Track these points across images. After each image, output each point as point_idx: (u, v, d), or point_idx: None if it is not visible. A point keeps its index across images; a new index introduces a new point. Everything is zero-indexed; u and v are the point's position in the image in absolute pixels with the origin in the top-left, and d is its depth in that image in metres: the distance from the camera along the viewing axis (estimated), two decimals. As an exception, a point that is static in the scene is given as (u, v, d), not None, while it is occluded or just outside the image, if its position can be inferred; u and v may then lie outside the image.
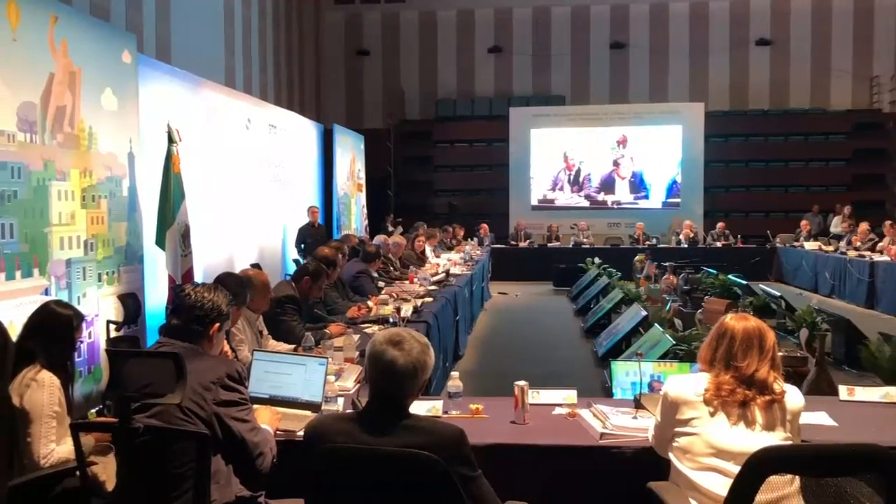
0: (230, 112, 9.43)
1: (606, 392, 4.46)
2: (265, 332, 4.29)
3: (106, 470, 2.84)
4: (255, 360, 3.29)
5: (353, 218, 14.59)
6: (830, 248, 12.88)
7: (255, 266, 7.00)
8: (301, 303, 4.88)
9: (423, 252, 9.97)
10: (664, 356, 5.63)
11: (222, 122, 9.04)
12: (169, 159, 5.96)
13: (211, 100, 8.78)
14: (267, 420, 2.84)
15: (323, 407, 3.12)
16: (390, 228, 13.90)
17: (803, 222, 14.68)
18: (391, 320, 5.06)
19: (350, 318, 5.30)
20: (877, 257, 11.08)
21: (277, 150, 11.22)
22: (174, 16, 10.22)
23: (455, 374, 3.29)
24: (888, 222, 12.29)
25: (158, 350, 2.61)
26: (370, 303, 5.81)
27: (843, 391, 3.43)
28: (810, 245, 13.44)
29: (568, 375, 6.82)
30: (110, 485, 2.76)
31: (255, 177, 10.11)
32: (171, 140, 5.96)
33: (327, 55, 18.26)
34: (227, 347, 3.46)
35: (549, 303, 12.11)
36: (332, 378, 3.31)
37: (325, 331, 4.75)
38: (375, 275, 7.40)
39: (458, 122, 18.01)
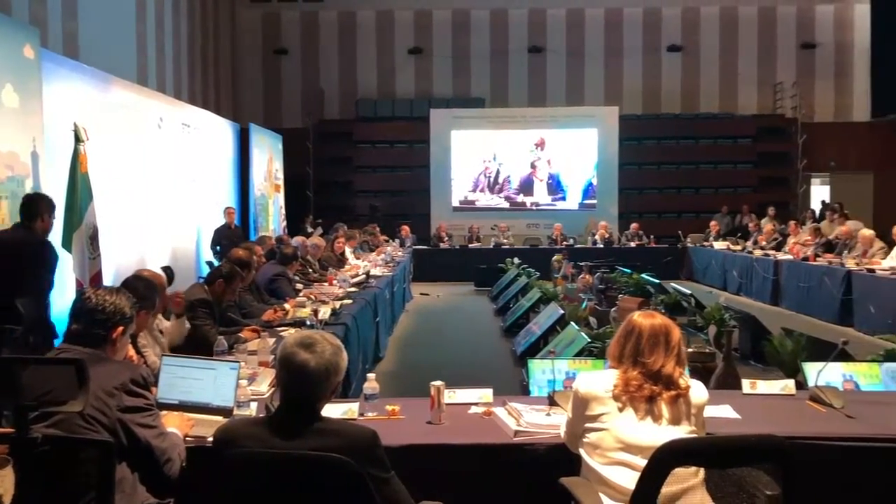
0: (142, 110, 9.16)
1: (524, 390, 4.51)
2: (164, 325, 4.20)
3: (3, 483, 2.71)
4: (164, 365, 3.19)
5: (271, 219, 14.38)
6: (738, 247, 13.39)
7: (166, 269, 6.83)
8: (214, 306, 4.77)
9: (342, 254, 9.89)
10: (580, 354, 5.74)
11: (133, 120, 8.78)
12: (76, 159, 5.75)
13: (121, 98, 8.51)
14: (176, 425, 2.77)
15: (235, 412, 3.06)
16: (310, 230, 13.74)
17: (713, 223, 15.23)
18: (308, 323, 4.99)
19: (266, 322, 5.21)
20: (781, 256, 11.57)
21: (191, 149, 10.97)
22: (81, 10, 9.83)
23: (371, 375, 3.27)
24: (792, 222, 12.89)
25: (59, 356, 2.51)
26: (287, 305, 5.73)
27: (746, 385, 3.56)
28: (719, 245, 13.94)
29: (487, 374, 6.85)
30: (8, 498, 2.63)
31: (167, 177, 9.85)
32: (77, 139, 5.75)
33: (244, 53, 17.93)
34: (132, 352, 3.35)
35: (470, 303, 12.20)
36: (244, 382, 3.25)
37: (240, 335, 4.65)
38: (293, 277, 7.30)
39: (379, 122, 17.94)
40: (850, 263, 9.72)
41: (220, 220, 11.18)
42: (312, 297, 6.45)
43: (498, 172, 17.68)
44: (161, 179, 9.58)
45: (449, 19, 18.18)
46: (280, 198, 15.45)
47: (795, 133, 17.64)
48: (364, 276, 8.16)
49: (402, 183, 17.94)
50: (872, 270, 9.13)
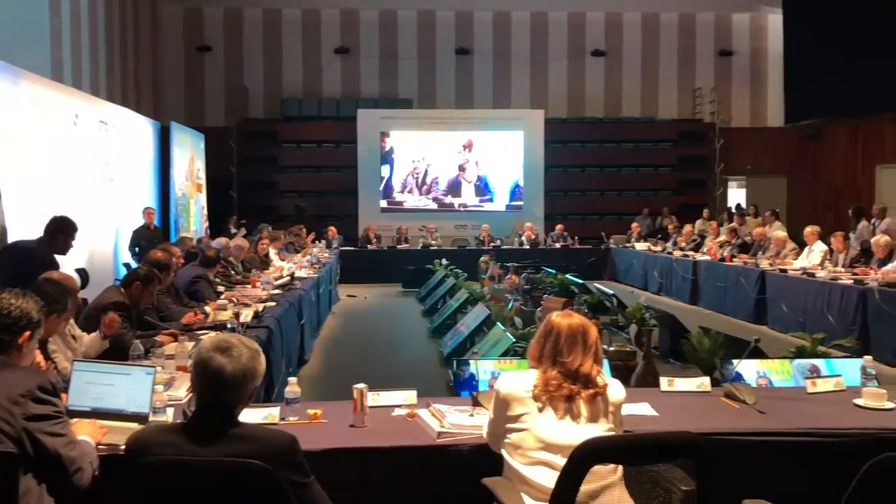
0: (56, 107, 8.81)
1: (451, 391, 4.52)
2: (78, 334, 4.04)
3: None
4: (74, 370, 3.07)
5: (193, 220, 14.04)
6: (658, 248, 13.74)
7: (80, 271, 6.59)
8: (131, 309, 4.62)
9: (266, 255, 9.73)
10: (505, 354, 5.79)
11: (47, 117, 8.44)
12: (-19, 156, 5.47)
13: (33, 93, 8.17)
14: (88, 433, 2.66)
15: (150, 418, 2.96)
16: (233, 230, 13.47)
17: (634, 224, 15.61)
18: (229, 326, 4.88)
19: (185, 325, 5.07)
20: (699, 257, 11.92)
21: (109, 147, 10.61)
22: (-10, 2, 9.41)
23: (293, 379, 3.21)
24: (713, 223, 13.30)
25: (-41, 364, 2.38)
26: (207, 308, 5.59)
27: (664, 382, 3.65)
28: (640, 246, 14.29)
29: (415, 376, 6.85)
30: None
31: (83, 175, 9.51)
32: (-17, 135, 5.47)
33: (165, 50, 17.41)
34: (40, 358, 3.21)
35: (398, 304, 12.16)
36: (160, 388, 3.15)
37: (157, 339, 4.52)
38: (215, 279, 7.13)
39: (305, 122, 17.74)
40: (764, 264, 10.08)
41: (139, 221, 10.86)
42: (234, 299, 6.31)
43: (426, 173, 17.71)
44: (76, 178, 9.24)
45: (376, 19, 18.10)
46: (202, 198, 15.11)
47: (713, 137, 18.23)
48: (288, 277, 8.03)
49: (329, 183, 17.77)
50: (785, 271, 9.50)
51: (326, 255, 12.19)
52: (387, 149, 17.51)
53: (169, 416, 3.04)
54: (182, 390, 3.44)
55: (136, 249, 10.20)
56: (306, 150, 17.83)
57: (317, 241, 13.53)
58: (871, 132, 15.89)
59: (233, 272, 8.17)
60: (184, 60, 17.66)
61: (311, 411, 3.09)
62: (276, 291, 7.12)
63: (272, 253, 10.07)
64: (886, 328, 7.29)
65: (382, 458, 2.80)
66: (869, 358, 3.69)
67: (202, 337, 4.70)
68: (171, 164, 12.94)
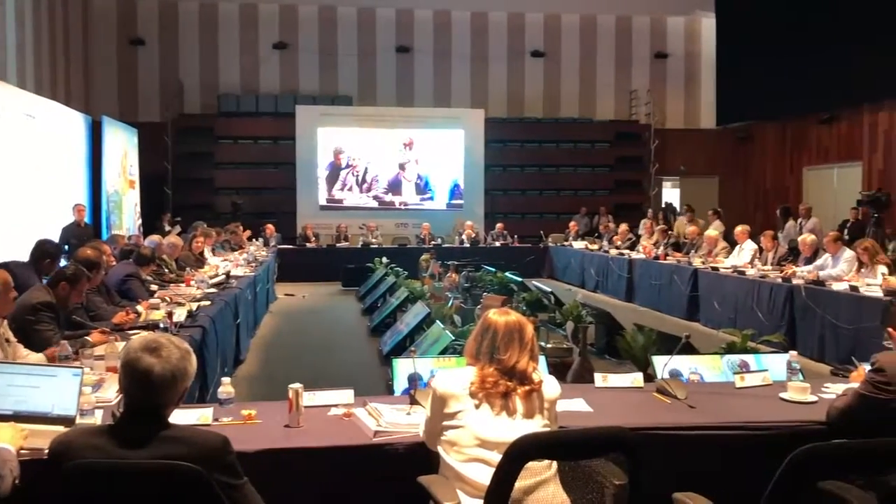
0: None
1: (390, 390, 4.51)
2: (13, 339, 3.89)
3: None
4: (-5, 373, 2.95)
5: (125, 217, 13.68)
6: (595, 246, 13.95)
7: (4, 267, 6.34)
8: (59, 309, 4.47)
9: (201, 253, 9.53)
10: (444, 352, 5.80)
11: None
12: None
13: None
14: (8, 439, 2.56)
15: (77, 421, 2.87)
16: (167, 228, 13.18)
17: (572, 223, 15.83)
18: (162, 326, 4.77)
19: (116, 325, 4.93)
20: (634, 255, 12.15)
21: (36, 141, 10.26)
22: None
23: (226, 380, 3.16)
24: (648, 222, 13.56)
25: None
26: (140, 307, 5.45)
27: (599, 378, 3.71)
28: (578, 244, 14.49)
29: (354, 375, 6.83)
30: None
31: (8, 170, 9.16)
32: None
33: (97, 42, 16.90)
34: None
35: (337, 303, 12.07)
36: (88, 389, 3.05)
37: (87, 338, 4.38)
38: (147, 278, 6.96)
39: (242, 118, 17.47)
40: (697, 262, 10.33)
41: (69, 218, 10.53)
42: (168, 298, 6.17)
43: (366, 171, 17.62)
44: (0, 173, 8.91)
45: (315, 15, 17.93)
46: (135, 195, 14.74)
47: (649, 138, 18.62)
48: (224, 276, 7.89)
49: (267, 180, 17.53)
50: (716, 269, 9.75)
51: (264, 253, 12.01)
52: (323, 145, 17.35)
53: (97, 418, 2.96)
54: (111, 392, 3.34)
55: (66, 247, 9.88)
56: (243, 146, 17.55)
57: (254, 240, 13.33)
58: (799, 134, 16.45)
59: (166, 270, 7.97)
60: (116, 54, 17.19)
61: (245, 412, 3.04)
62: (212, 290, 6.98)
63: (207, 251, 9.87)
64: (811, 324, 7.55)
65: (317, 458, 2.77)
66: (794, 353, 3.81)
67: (133, 337, 4.58)
68: (102, 159, 12.57)
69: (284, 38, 17.79)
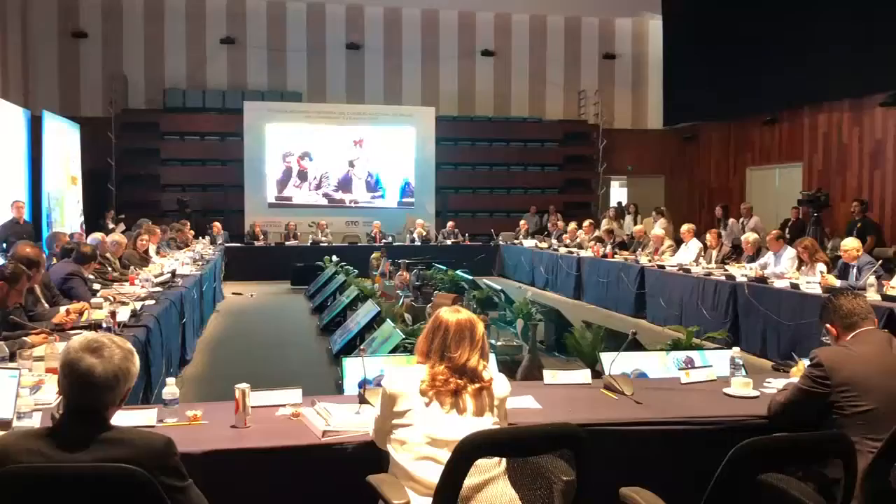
0: None
1: (340, 389, 4.48)
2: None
3: None
4: (-73, 375, 2.85)
5: (67, 214, 13.33)
6: (545, 245, 14.08)
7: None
8: (-4, 309, 4.33)
9: (146, 251, 9.34)
10: (395, 350, 5.78)
11: None
12: None
13: None
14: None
15: (14, 424, 2.78)
16: (111, 226, 12.88)
17: (522, 222, 15.95)
18: (105, 326, 4.65)
19: (57, 325, 4.80)
20: (583, 253, 12.29)
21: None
22: None
23: (171, 380, 3.09)
24: (589, 221, 13.76)
25: None
26: (75, 306, 5.29)
27: (548, 375, 3.74)
28: (528, 243, 14.61)
29: (303, 375, 6.77)
30: None
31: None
32: None
33: (37, 35, 16.40)
34: None
35: (286, 302, 11.95)
36: (26, 391, 2.97)
37: (25, 339, 4.25)
38: (90, 276, 6.79)
39: (189, 113, 17.15)
40: (644, 260, 10.50)
41: (8, 215, 10.22)
42: (111, 297, 6.03)
43: (317, 169, 17.46)
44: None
45: (264, 10, 17.71)
46: (77, 191, 14.36)
47: (597, 138, 18.85)
48: (169, 274, 7.74)
49: (214, 177, 17.26)
50: (662, 267, 9.92)
51: (210, 251, 11.83)
52: (272, 142, 17.15)
53: (36, 421, 2.87)
54: (51, 394, 3.25)
55: (4, 245, 9.60)
56: (190, 142, 17.24)
57: (200, 238, 13.11)
58: (742, 135, 16.83)
59: (110, 269, 7.79)
60: (57, 47, 16.71)
61: (190, 413, 2.99)
62: (157, 289, 6.84)
63: (152, 249, 9.68)
64: (754, 321, 7.74)
65: (265, 458, 2.74)
66: (738, 349, 3.90)
67: (75, 337, 4.46)
68: (42, 155, 12.22)
69: (232, 33, 17.52)
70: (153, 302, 6.10)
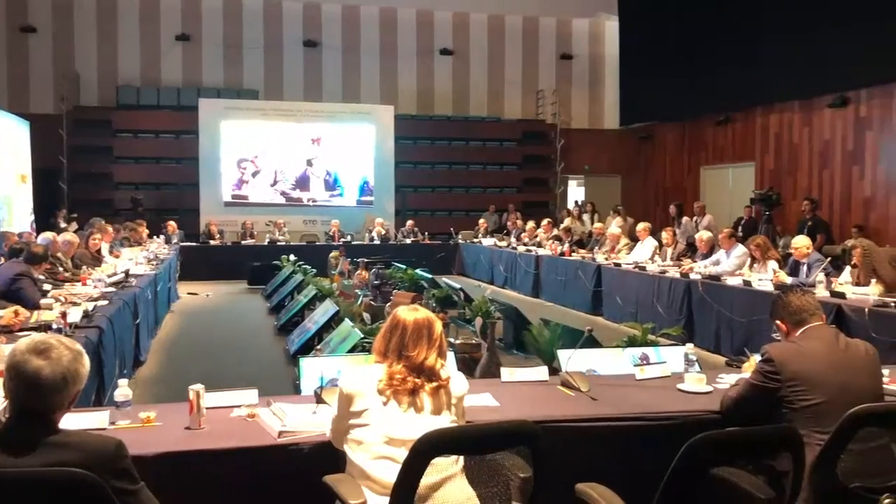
0: None
1: (297, 389, 4.45)
2: None
3: None
4: None
5: (17, 213, 13.00)
6: (504, 243, 14.15)
7: None
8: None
9: (99, 251, 9.16)
10: (353, 349, 5.75)
11: None
12: None
13: None
14: None
15: (-42, 429, 2.70)
16: (62, 225, 12.60)
17: (481, 221, 15.99)
18: (55, 327, 4.55)
19: (4, 326, 4.68)
20: (541, 252, 12.38)
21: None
22: None
23: (123, 381, 3.04)
24: (547, 220, 13.87)
25: None
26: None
27: (506, 373, 3.75)
28: (487, 241, 14.67)
29: (260, 375, 6.70)
30: None
31: None
32: None
33: (-18, 29, 16.01)
34: None
35: (243, 302, 11.82)
36: (-29, 395, 2.88)
37: (-29, 341, 4.14)
38: (40, 277, 6.63)
39: (143, 110, 16.90)
40: (600, 258, 10.62)
41: (-48, 214, 9.93)
42: (62, 298, 5.90)
43: (273, 166, 17.30)
44: None
45: (220, 7, 17.49)
46: (27, 190, 14.02)
47: (555, 138, 19.00)
48: (123, 274, 7.60)
49: (169, 175, 17.00)
50: (619, 265, 10.04)
51: (165, 250, 11.65)
52: (227, 140, 16.94)
53: (-20, 425, 2.79)
54: (-3, 397, 3.16)
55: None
56: (144, 140, 16.96)
57: (154, 237, 12.90)
58: (696, 135, 17.10)
59: (61, 269, 7.62)
60: (5, 42, 16.30)
61: (143, 415, 2.94)
62: (110, 289, 6.72)
63: (105, 249, 9.49)
64: (708, 318, 7.87)
65: (219, 460, 2.70)
66: (691, 346, 3.96)
67: (22, 338, 4.35)
68: (-11, 152, 11.91)
69: (187, 29, 17.28)
70: (106, 302, 5.99)
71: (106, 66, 16.96)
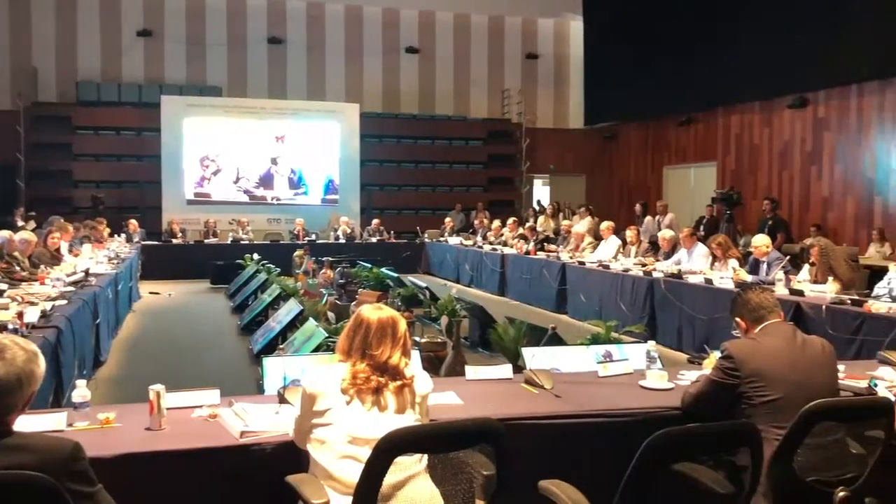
0: None
1: (260, 389, 4.41)
2: None
3: None
4: None
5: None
6: (470, 242, 14.18)
7: None
8: None
9: (58, 249, 8.98)
10: (318, 349, 5.72)
11: None
12: None
13: None
14: None
15: None
16: (20, 223, 12.34)
17: (448, 219, 16.00)
18: (11, 327, 4.45)
19: (-42, 327, 4.56)
20: (507, 250, 12.43)
21: None
22: None
23: (81, 382, 2.99)
24: (513, 219, 13.93)
25: None
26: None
27: (470, 371, 3.76)
28: (453, 240, 14.69)
29: (223, 375, 6.65)
30: None
31: None
32: None
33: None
34: None
35: (206, 301, 11.69)
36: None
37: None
38: (-4, 276, 6.49)
39: (103, 107, 16.60)
40: (565, 257, 10.69)
41: None
42: (19, 297, 5.77)
43: (237, 166, 17.12)
44: None
45: (182, 2, 17.26)
46: (-17, 187, 13.71)
47: (520, 137, 19.09)
48: (83, 273, 7.46)
49: (130, 173, 16.72)
50: (583, 263, 10.11)
51: (126, 249, 11.47)
52: (190, 138, 16.73)
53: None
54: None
55: None
56: (105, 137, 16.68)
57: (115, 235, 12.69)
58: (660, 135, 17.31)
59: (18, 268, 7.45)
60: (-40, 35, 15.93)
61: (102, 416, 2.88)
62: (69, 289, 6.59)
63: (64, 247, 9.31)
64: (670, 315, 7.97)
65: (180, 461, 2.67)
66: (653, 343, 4.00)
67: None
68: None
69: (149, 24, 17.04)
70: (65, 302, 5.88)
71: (65, 61, 16.64)
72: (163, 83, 17.08)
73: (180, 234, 14.79)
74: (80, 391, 2.91)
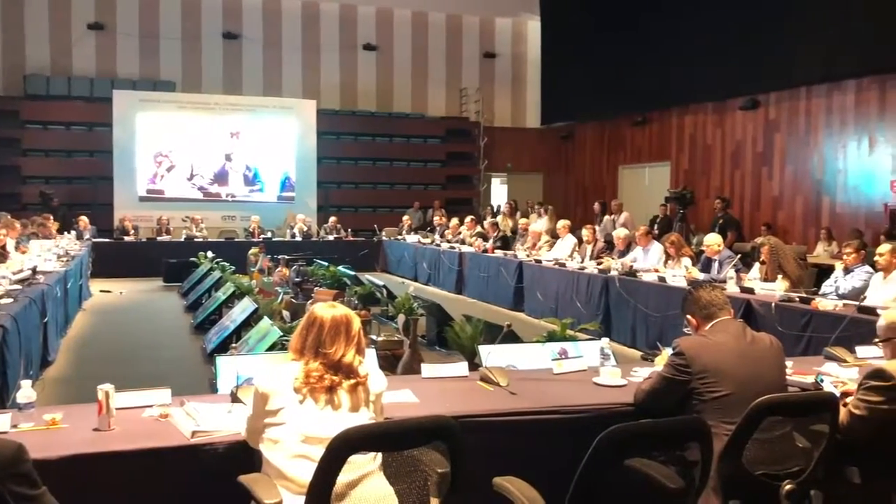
0: None
1: (214, 388, 4.35)
2: None
3: None
4: None
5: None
6: (428, 240, 14.17)
7: None
8: None
9: (4, 247, 8.73)
10: (272, 348, 5.66)
11: None
12: None
13: None
14: None
15: None
16: (-36, 220, 11.95)
17: (405, 217, 15.99)
18: (-47, 326, 4.33)
19: None
20: (464, 249, 12.45)
21: None
22: None
23: (26, 382, 2.91)
24: (471, 217, 13.97)
25: None
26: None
27: (426, 369, 3.76)
28: (411, 238, 14.66)
29: (175, 374, 6.56)
30: None
31: None
32: None
33: None
34: None
35: (158, 300, 11.49)
36: None
37: None
38: (-62, 273, 6.29)
39: (53, 101, 16.23)
40: (521, 255, 10.75)
41: None
42: (-38, 296, 5.62)
43: (191, 162, 16.86)
44: None
45: (135, -5, 16.95)
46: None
47: (478, 136, 19.15)
48: (30, 271, 7.27)
49: (81, 169, 16.38)
50: (539, 261, 10.18)
51: (76, 246, 11.22)
52: (143, 133, 16.44)
53: None
54: None
55: None
56: (54, 132, 16.31)
57: (65, 232, 12.40)
58: (615, 135, 17.51)
59: (-39, 266, 7.25)
60: None
61: (48, 416, 2.82)
62: (15, 287, 6.42)
63: (10, 244, 9.06)
64: (625, 313, 8.07)
65: (128, 461, 2.61)
66: (607, 340, 4.04)
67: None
68: None
69: (101, 17, 16.69)
70: (11, 300, 5.73)
71: (12, 54, 16.22)
72: (115, 77, 16.75)
73: (132, 232, 14.53)
74: (26, 391, 2.84)
